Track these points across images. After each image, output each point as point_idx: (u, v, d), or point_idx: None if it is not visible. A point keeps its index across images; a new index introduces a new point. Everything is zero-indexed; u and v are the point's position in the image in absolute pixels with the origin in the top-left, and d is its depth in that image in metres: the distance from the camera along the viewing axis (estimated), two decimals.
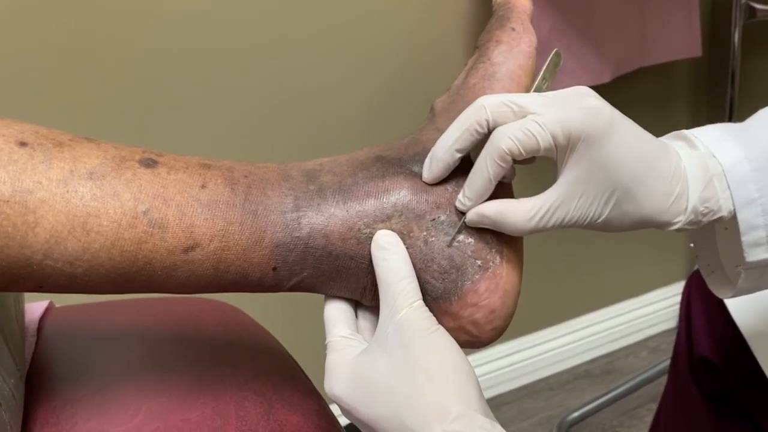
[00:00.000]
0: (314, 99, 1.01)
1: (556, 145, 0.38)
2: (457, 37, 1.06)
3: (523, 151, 0.38)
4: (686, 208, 0.41)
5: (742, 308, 0.67)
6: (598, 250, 1.33)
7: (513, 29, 0.46)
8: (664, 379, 1.23)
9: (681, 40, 1.12)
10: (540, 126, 0.38)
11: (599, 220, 0.40)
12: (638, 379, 1.27)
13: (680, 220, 0.41)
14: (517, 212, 0.39)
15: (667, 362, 1.24)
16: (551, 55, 0.44)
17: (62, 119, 0.89)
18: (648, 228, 0.42)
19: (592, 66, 1.06)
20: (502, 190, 0.40)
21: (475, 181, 0.39)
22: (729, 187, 0.41)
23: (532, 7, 0.49)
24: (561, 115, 0.38)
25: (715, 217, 0.42)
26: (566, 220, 0.39)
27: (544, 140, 0.38)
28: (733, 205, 0.41)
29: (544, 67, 0.44)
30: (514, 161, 0.39)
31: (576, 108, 0.38)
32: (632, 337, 1.43)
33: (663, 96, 1.28)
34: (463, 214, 0.40)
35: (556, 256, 1.28)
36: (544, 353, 1.36)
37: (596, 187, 0.39)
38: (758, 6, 1.03)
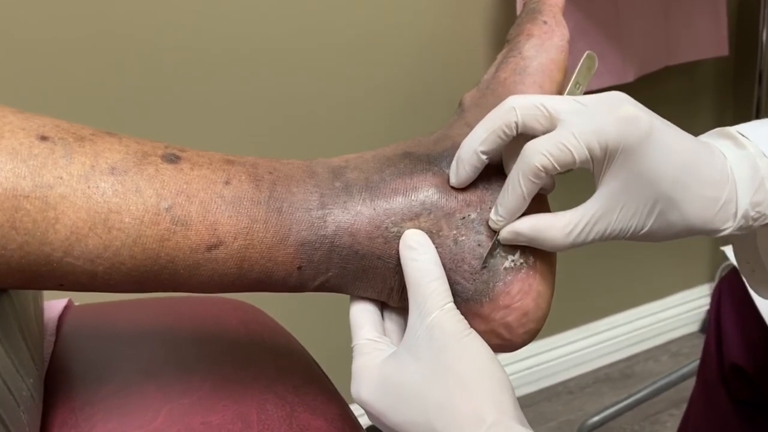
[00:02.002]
0: (337, 98, 1.00)
1: (592, 157, 0.36)
2: (480, 37, 1.05)
3: (557, 167, 0.36)
4: (735, 214, 0.38)
5: None
6: (618, 252, 1.31)
7: (545, 22, 0.44)
8: (685, 384, 1.21)
9: (707, 39, 1.10)
10: (575, 138, 0.36)
11: (642, 232, 0.38)
12: (659, 384, 1.25)
13: (729, 226, 0.39)
14: (553, 228, 0.37)
15: (689, 367, 1.22)
16: (583, 58, 0.42)
17: (82, 114, 0.88)
18: (695, 236, 0.39)
19: (615, 65, 1.04)
20: (537, 201, 0.39)
21: (509, 199, 0.37)
22: None
23: (564, 1, 0.47)
24: (596, 125, 0.36)
25: None
26: (606, 233, 0.37)
27: (579, 154, 0.36)
28: None
29: (576, 71, 0.42)
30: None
31: (612, 117, 0.36)
32: (653, 341, 1.41)
33: (688, 96, 1.26)
34: (495, 231, 0.38)
35: (576, 258, 1.25)
36: (563, 356, 1.34)
37: (638, 198, 0.37)
38: None
